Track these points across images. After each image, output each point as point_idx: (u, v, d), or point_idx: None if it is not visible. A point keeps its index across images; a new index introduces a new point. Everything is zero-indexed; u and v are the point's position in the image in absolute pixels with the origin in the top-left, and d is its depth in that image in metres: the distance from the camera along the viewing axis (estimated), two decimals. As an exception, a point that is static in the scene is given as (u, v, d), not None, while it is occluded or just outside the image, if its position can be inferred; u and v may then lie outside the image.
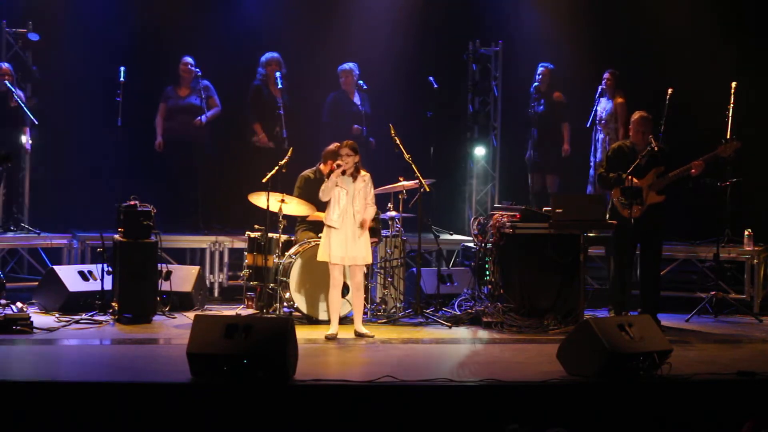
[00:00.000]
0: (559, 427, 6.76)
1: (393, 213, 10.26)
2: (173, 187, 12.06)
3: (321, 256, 9.20)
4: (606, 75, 11.90)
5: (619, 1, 12.70)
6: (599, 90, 11.94)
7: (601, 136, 11.91)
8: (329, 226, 9.10)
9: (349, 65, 12.08)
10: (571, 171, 12.36)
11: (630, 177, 9.62)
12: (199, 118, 11.76)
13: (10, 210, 11.62)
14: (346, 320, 9.56)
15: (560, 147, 12.30)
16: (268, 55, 11.98)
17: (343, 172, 9.06)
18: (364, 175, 9.16)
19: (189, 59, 11.88)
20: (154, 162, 12.09)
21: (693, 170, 9.77)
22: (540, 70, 12.23)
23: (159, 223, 9.90)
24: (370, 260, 9.33)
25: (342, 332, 9.14)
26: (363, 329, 9.22)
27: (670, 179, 9.82)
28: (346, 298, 9.56)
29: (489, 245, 10.00)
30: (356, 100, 12.05)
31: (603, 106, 11.93)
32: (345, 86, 12.08)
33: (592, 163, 12.05)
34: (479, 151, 12.96)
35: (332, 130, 11.83)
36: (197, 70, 11.84)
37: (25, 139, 11.48)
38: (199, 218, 11.91)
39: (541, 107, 12.19)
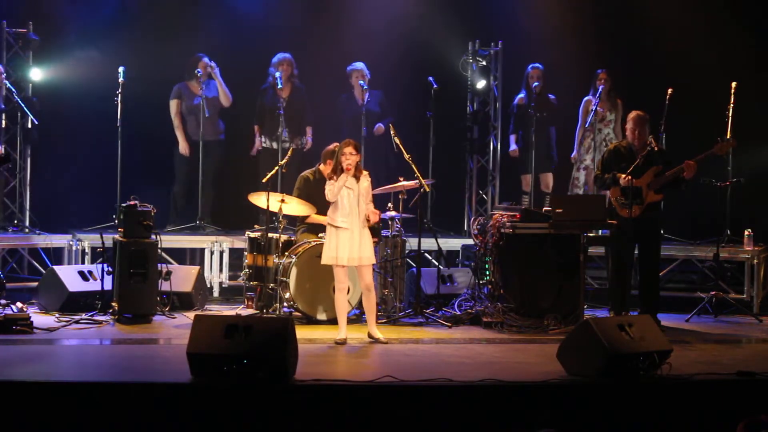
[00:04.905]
0: (560, 427, 6.75)
1: (393, 213, 10.24)
2: (174, 187, 12.07)
3: (326, 260, 8.96)
4: (601, 74, 11.85)
5: (619, 1, 12.70)
6: (599, 90, 11.89)
7: (600, 136, 11.88)
8: (336, 227, 8.90)
9: (355, 65, 12.08)
10: (568, 170, 12.35)
11: (628, 177, 9.63)
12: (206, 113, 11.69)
13: (9, 210, 11.61)
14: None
15: (552, 150, 12.32)
16: (279, 55, 11.95)
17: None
18: (366, 174, 9.02)
19: (206, 58, 11.76)
20: (154, 162, 12.08)
21: (685, 173, 9.74)
22: (530, 71, 12.19)
23: (159, 223, 9.89)
24: (374, 260, 9.16)
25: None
26: (377, 333, 8.95)
27: (666, 179, 9.82)
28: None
29: (489, 245, 10.00)
30: (360, 100, 12.04)
31: (603, 104, 11.89)
32: (354, 86, 12.09)
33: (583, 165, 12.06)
34: (479, 151, 12.95)
35: (340, 129, 11.87)
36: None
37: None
38: (199, 218, 11.90)
39: (535, 108, 12.14)
